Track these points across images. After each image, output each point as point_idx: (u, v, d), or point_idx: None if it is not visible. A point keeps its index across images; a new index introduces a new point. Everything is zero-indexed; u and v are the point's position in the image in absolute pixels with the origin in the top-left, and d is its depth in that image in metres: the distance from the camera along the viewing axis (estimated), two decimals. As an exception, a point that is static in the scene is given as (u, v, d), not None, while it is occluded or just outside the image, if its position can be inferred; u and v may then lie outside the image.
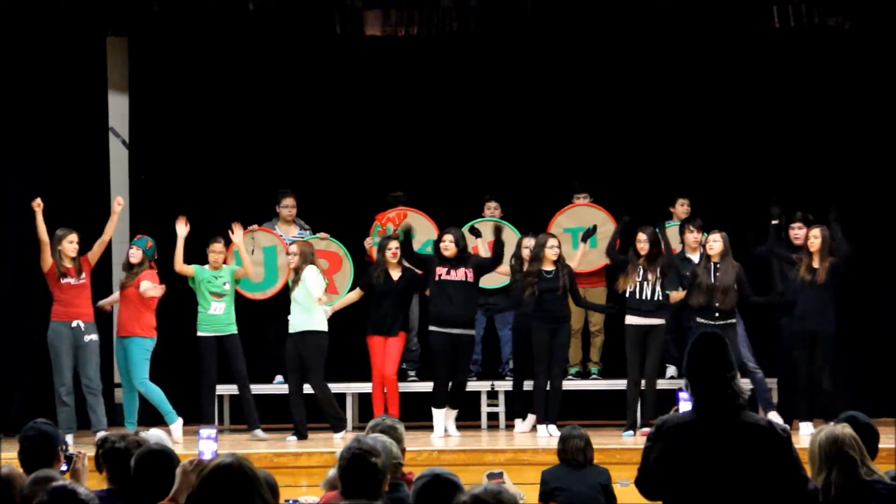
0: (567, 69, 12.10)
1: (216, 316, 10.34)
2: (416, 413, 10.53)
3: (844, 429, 5.01)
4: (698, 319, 10.16)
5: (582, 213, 11.39)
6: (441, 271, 10.26)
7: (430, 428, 10.30)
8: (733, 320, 10.20)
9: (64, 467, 5.09)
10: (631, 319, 10.29)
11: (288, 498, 6.05)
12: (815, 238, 10.25)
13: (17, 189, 11.06)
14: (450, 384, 10.31)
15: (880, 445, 5.41)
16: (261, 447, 9.80)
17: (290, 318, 10.30)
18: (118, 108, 11.96)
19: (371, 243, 11.20)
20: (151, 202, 11.78)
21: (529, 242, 10.52)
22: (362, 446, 4.41)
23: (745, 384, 9.84)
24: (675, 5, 11.40)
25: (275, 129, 12.09)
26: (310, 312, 10.21)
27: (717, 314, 10.13)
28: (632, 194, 11.69)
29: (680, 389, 4.96)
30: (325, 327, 10.28)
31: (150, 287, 10.11)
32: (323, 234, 11.20)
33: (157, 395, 10.16)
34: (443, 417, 10.29)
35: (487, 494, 3.95)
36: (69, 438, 8.57)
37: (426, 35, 11.74)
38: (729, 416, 4.59)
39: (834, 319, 10.25)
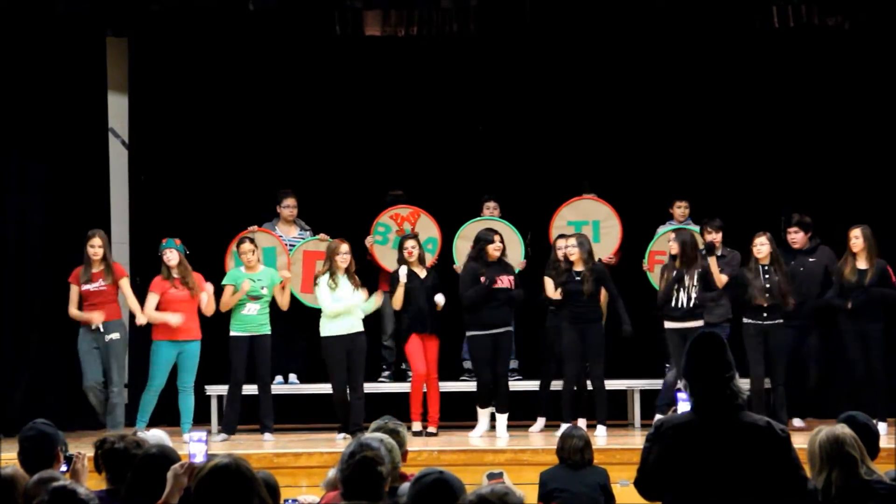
0: (566, 70, 12.10)
1: (250, 316, 10.30)
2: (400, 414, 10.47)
3: (844, 428, 5.02)
4: (745, 320, 10.20)
5: (585, 207, 11.38)
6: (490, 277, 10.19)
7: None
8: (780, 321, 10.22)
9: (63, 468, 5.10)
10: (669, 324, 10.21)
11: (288, 498, 6.03)
12: (857, 238, 10.23)
13: (16, 189, 11.07)
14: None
15: (881, 445, 5.41)
16: (261, 447, 9.81)
17: (336, 319, 10.19)
18: (118, 109, 11.95)
19: (372, 241, 11.20)
20: (151, 202, 11.78)
21: (563, 243, 10.52)
22: (367, 453, 4.39)
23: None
24: (675, 5, 11.39)
25: (275, 130, 12.09)
26: (356, 313, 10.23)
27: (764, 314, 10.14)
28: (632, 196, 11.69)
29: (679, 390, 4.95)
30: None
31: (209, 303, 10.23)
32: (322, 235, 11.18)
33: (191, 402, 10.22)
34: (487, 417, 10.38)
35: (494, 496, 3.94)
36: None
37: (426, 36, 11.73)
38: (728, 416, 4.60)
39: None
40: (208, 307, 10.26)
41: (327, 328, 10.19)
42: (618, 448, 9.35)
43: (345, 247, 10.29)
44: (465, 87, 12.07)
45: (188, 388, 10.19)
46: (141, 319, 10.12)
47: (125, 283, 10.26)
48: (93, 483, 5.06)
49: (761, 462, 4.55)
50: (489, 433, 10.35)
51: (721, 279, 10.35)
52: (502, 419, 10.30)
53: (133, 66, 11.95)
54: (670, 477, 4.60)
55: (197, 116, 12.02)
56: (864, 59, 11.73)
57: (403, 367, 11.40)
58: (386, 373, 11.51)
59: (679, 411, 4.90)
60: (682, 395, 4.80)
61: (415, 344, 10.47)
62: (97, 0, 11.18)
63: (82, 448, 5.44)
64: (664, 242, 10.73)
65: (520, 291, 10.36)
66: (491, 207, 11.49)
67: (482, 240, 10.27)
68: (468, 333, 10.35)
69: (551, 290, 10.44)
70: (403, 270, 10.39)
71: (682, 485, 4.58)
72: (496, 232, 10.36)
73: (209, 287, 10.30)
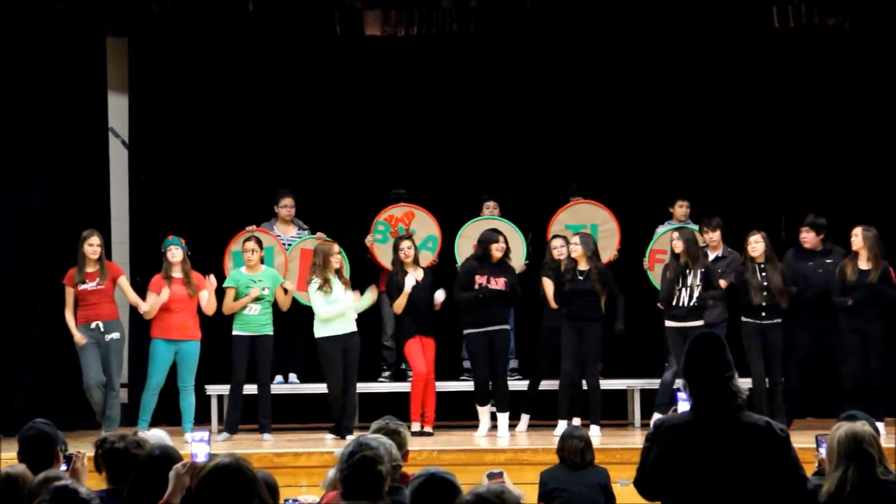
0: (566, 70, 12.10)
1: (252, 316, 10.28)
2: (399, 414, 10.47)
3: (864, 426, 5.01)
4: (743, 319, 10.17)
5: (583, 211, 11.38)
6: (481, 280, 10.21)
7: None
8: (779, 320, 10.20)
9: (63, 467, 5.09)
10: (670, 323, 10.21)
11: (288, 498, 6.03)
12: (857, 237, 10.17)
13: (16, 189, 11.07)
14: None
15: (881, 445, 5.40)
16: (261, 447, 9.81)
17: (330, 322, 10.18)
18: (118, 109, 11.96)
19: (372, 240, 11.19)
20: (151, 202, 11.78)
21: (557, 243, 10.55)
22: (366, 452, 4.39)
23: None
24: (675, 5, 11.40)
25: (275, 129, 12.09)
26: (349, 314, 10.23)
27: (763, 314, 10.13)
28: (631, 195, 11.70)
29: (679, 389, 4.96)
30: None
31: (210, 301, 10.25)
32: (320, 235, 11.18)
33: (192, 402, 10.21)
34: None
35: (491, 494, 3.95)
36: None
37: (426, 36, 11.73)
38: (727, 416, 4.60)
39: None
40: (209, 306, 10.25)
41: (321, 330, 10.17)
42: (618, 448, 9.35)
43: (337, 248, 10.31)
44: (465, 87, 12.07)
45: (188, 387, 10.17)
46: (144, 307, 10.10)
47: (124, 281, 10.25)
48: (93, 483, 5.06)
49: (761, 462, 4.55)
50: (491, 432, 10.35)
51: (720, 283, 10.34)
52: (503, 419, 10.30)
53: (133, 66, 11.96)
54: (670, 476, 4.60)
55: (196, 116, 12.02)
56: (864, 59, 11.73)
57: (403, 366, 11.39)
58: (386, 373, 11.52)
59: (679, 411, 4.90)
60: (682, 395, 4.80)
61: (414, 345, 10.47)
62: (97, 0, 11.19)
63: (82, 448, 5.44)
64: (665, 241, 10.73)
65: (519, 290, 10.37)
66: (491, 207, 11.50)
67: (486, 240, 10.29)
68: (465, 332, 10.38)
69: (551, 292, 10.46)
70: (411, 281, 10.38)
71: (682, 484, 4.58)
72: (500, 232, 10.41)
73: (212, 281, 10.29)
